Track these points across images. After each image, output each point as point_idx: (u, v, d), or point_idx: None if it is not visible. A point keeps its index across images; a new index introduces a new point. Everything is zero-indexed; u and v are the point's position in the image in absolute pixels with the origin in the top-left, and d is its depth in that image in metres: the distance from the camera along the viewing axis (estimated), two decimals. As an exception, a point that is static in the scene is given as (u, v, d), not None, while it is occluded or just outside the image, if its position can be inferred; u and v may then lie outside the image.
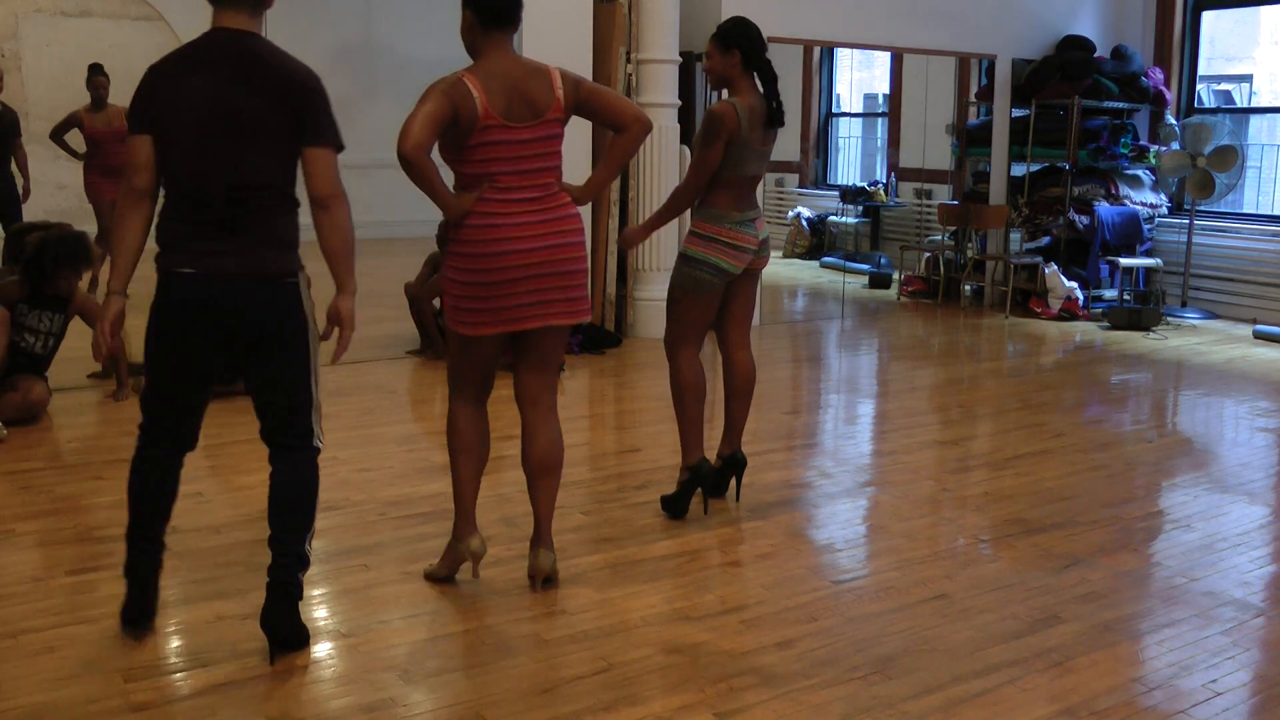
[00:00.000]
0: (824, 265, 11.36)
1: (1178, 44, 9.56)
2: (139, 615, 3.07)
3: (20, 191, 8.09)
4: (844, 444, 5.55)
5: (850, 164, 12.25)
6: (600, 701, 2.78)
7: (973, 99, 10.03)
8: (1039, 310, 8.94)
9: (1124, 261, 8.95)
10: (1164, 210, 9.44)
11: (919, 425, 5.70)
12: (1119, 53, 9.36)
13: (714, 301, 4.03)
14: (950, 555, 3.90)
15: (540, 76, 3.25)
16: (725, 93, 4.14)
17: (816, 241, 11.86)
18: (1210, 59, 9.89)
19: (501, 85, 3.18)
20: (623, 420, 5.87)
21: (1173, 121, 9.27)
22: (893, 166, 11.10)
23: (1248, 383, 6.80)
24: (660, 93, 7.37)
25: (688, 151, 7.46)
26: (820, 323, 8.94)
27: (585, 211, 6.95)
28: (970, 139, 9.82)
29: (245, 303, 2.87)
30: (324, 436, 3.08)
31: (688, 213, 4.14)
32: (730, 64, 3.94)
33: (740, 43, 3.93)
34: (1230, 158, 8.71)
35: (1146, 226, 9.24)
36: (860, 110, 12.39)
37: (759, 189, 4.16)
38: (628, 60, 7.44)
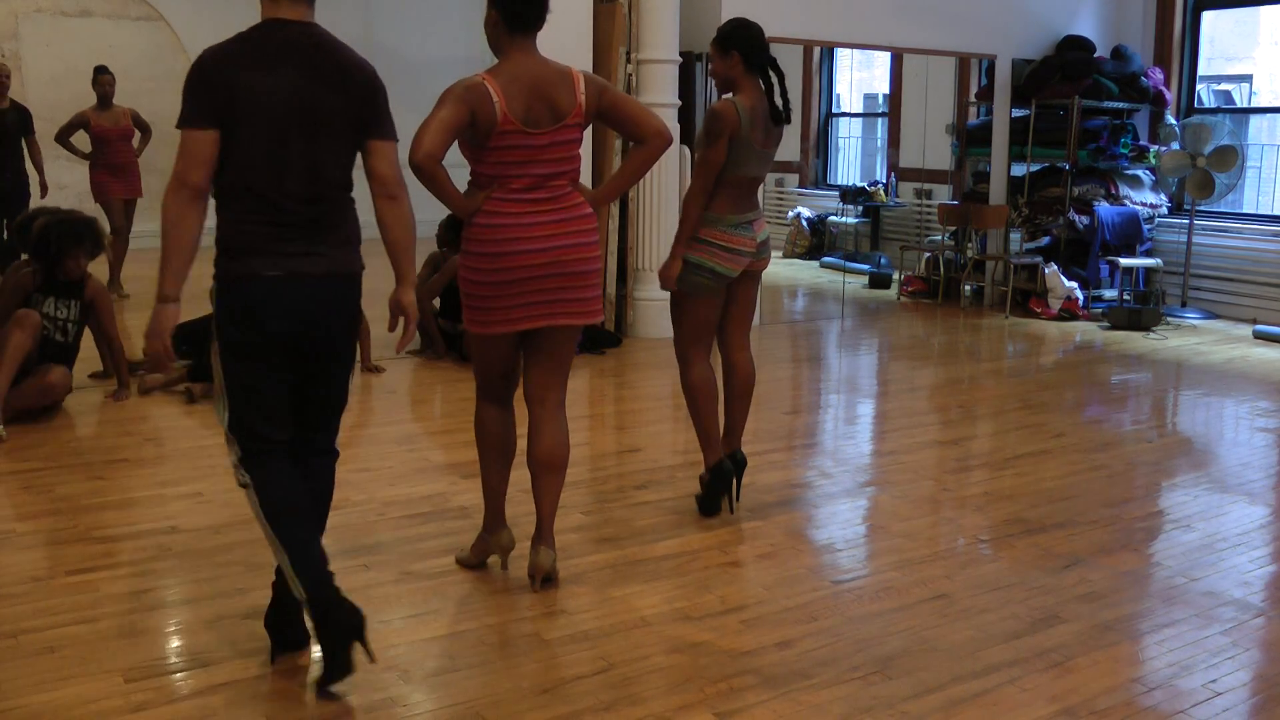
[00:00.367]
0: (824, 265, 11.36)
1: (1178, 44, 9.56)
2: (358, 632, 2.75)
3: (32, 188, 8.14)
4: (844, 444, 5.55)
5: (850, 164, 12.25)
6: (600, 701, 2.78)
7: (973, 99, 10.03)
8: (1039, 310, 8.95)
9: (1124, 261, 8.95)
10: (1164, 210, 9.44)
11: (919, 425, 5.70)
12: (1119, 53, 9.36)
13: (715, 303, 4.02)
14: (950, 555, 3.90)
15: (564, 81, 3.24)
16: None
17: (816, 241, 11.86)
18: (1210, 59, 9.89)
19: (522, 89, 3.18)
20: (623, 420, 5.87)
21: (1173, 121, 9.27)
22: (893, 166, 11.10)
23: (1248, 383, 6.80)
24: (660, 93, 7.36)
25: (688, 151, 7.46)
26: (820, 323, 8.94)
27: (585, 211, 6.96)
28: (970, 139, 9.82)
29: (328, 303, 2.79)
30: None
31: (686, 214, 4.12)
32: (731, 65, 3.93)
33: (738, 44, 3.91)
34: (1230, 158, 8.71)
35: (1146, 226, 9.24)
36: (860, 110, 12.39)
37: (760, 191, 4.15)
38: (628, 60, 7.44)
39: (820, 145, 12.06)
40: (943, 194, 10.43)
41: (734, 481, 4.17)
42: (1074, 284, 8.93)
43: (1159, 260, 9.17)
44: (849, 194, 11.28)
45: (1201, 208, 9.22)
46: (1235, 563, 3.84)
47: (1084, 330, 8.49)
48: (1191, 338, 8.22)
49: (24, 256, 5.58)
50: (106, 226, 7.13)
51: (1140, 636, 3.28)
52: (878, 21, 8.59)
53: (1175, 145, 9.10)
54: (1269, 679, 3.06)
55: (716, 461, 4.12)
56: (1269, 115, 9.85)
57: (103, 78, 8.48)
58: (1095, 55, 9.19)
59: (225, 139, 2.65)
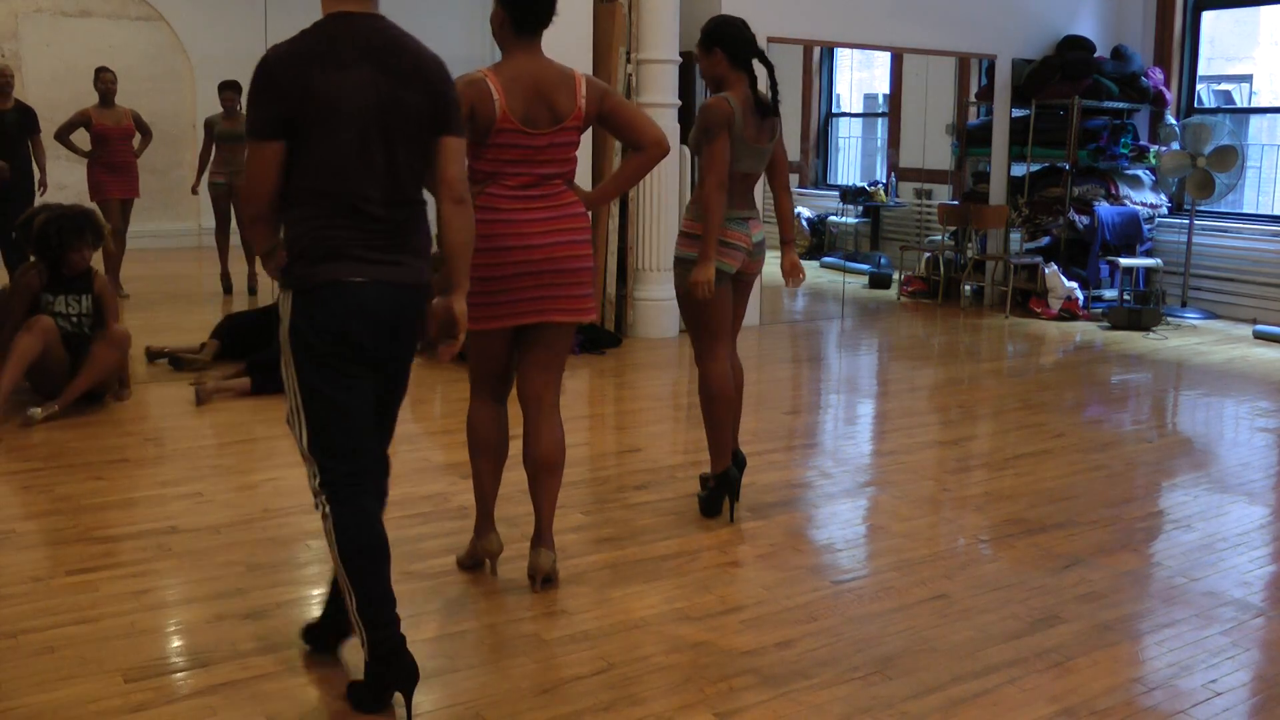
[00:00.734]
0: (824, 265, 11.36)
1: (1178, 44, 9.56)
2: (405, 687, 2.66)
3: (35, 186, 8.16)
4: (844, 444, 5.55)
5: (850, 164, 12.25)
6: (600, 701, 2.78)
7: (973, 99, 10.03)
8: (1039, 310, 8.95)
9: (1124, 261, 8.95)
10: (1164, 210, 9.44)
11: (919, 425, 5.70)
12: (1119, 53, 9.37)
13: (721, 299, 3.95)
14: (950, 555, 3.90)
15: (565, 83, 3.25)
16: None
17: (816, 241, 11.86)
18: (1210, 59, 9.89)
19: (523, 89, 3.19)
20: (623, 420, 5.87)
21: (1173, 121, 9.27)
22: (893, 166, 11.10)
23: (1248, 383, 6.80)
24: (660, 93, 7.37)
25: (688, 151, 7.46)
26: (820, 323, 8.94)
27: (585, 211, 6.96)
28: (970, 139, 9.82)
29: (406, 314, 2.66)
30: None
31: (682, 215, 4.10)
32: (715, 64, 3.91)
33: (720, 41, 3.89)
34: (1230, 158, 8.71)
35: (1146, 226, 9.24)
36: (860, 110, 12.39)
37: (759, 191, 4.12)
38: (628, 60, 7.44)
39: (820, 145, 12.06)
40: (943, 194, 10.43)
41: (738, 479, 4.17)
42: (1074, 284, 8.93)
43: (1159, 260, 9.17)
44: (849, 194, 11.28)
45: (1201, 208, 9.22)
46: (1235, 563, 3.84)
47: (1084, 330, 8.49)
48: (1191, 338, 8.22)
49: (32, 258, 5.60)
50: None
51: (1140, 636, 3.28)
52: (878, 21, 8.60)
53: (1175, 145, 9.10)
54: (1269, 679, 3.06)
55: (724, 470, 4.11)
56: (1269, 115, 9.85)
57: (105, 75, 8.50)
58: (1095, 55, 9.19)
59: (298, 144, 2.49)
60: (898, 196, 11.05)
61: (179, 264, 8.26)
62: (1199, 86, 9.68)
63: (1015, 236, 9.50)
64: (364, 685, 2.70)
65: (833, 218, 11.70)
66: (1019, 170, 9.53)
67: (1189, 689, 2.92)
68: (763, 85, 3.98)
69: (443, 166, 2.67)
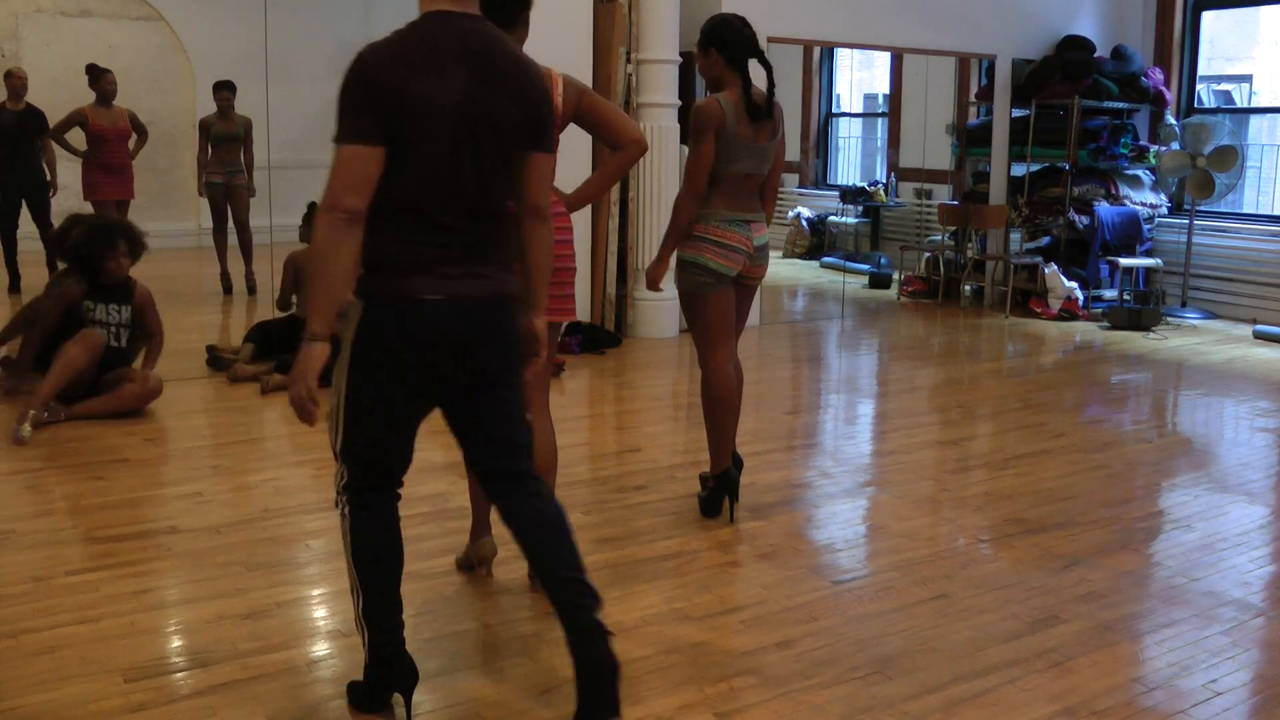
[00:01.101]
0: (824, 265, 11.36)
1: (1178, 44, 9.56)
2: (405, 687, 2.67)
3: (48, 186, 8.39)
4: (844, 444, 5.55)
5: (850, 164, 12.25)
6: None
7: (973, 99, 10.03)
8: (1039, 310, 8.95)
9: (1124, 261, 8.95)
10: (1164, 210, 9.44)
11: (919, 425, 5.70)
12: (1119, 53, 9.37)
13: (722, 301, 3.94)
14: (950, 555, 3.90)
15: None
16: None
17: (816, 241, 11.86)
18: (1210, 59, 9.89)
19: None
20: (623, 420, 5.87)
21: (1173, 121, 9.28)
22: (893, 166, 11.10)
23: (1248, 383, 6.80)
24: (660, 93, 7.37)
25: (687, 150, 7.46)
26: (820, 323, 8.94)
27: (585, 211, 6.96)
28: (970, 139, 9.82)
29: (487, 328, 2.52)
30: None
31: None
32: (711, 63, 3.89)
33: (716, 41, 3.87)
34: (1230, 158, 8.71)
35: (1146, 226, 9.24)
36: (860, 110, 12.39)
37: (759, 195, 4.07)
38: (628, 60, 7.44)
39: (820, 145, 12.06)
40: (943, 194, 10.43)
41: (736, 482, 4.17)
42: (1074, 284, 8.93)
43: (1159, 260, 9.17)
44: (849, 194, 11.28)
45: (1201, 208, 9.22)
46: (1235, 563, 3.84)
47: (1084, 330, 8.49)
48: (1191, 338, 8.22)
49: (63, 266, 5.69)
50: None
51: (1140, 636, 3.28)
52: (878, 21, 8.60)
53: (1175, 145, 9.10)
54: (1269, 679, 3.06)
55: (723, 470, 4.11)
56: (1269, 115, 9.85)
57: (107, 77, 8.52)
58: (1095, 55, 9.19)
59: (388, 153, 2.35)
60: (898, 196, 11.05)
61: (178, 264, 8.28)
62: (1199, 86, 9.69)
63: (1015, 236, 9.50)
64: (364, 685, 2.69)
65: (833, 218, 11.70)
66: (1019, 170, 9.53)
67: (1189, 689, 2.92)
68: (763, 86, 3.95)
69: (528, 182, 2.58)
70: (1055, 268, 8.95)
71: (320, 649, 3.06)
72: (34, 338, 5.44)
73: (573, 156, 3.97)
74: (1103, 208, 8.99)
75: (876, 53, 10.90)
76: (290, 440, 5.14)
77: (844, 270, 10.64)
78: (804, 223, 11.93)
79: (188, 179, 10.95)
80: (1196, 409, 6.43)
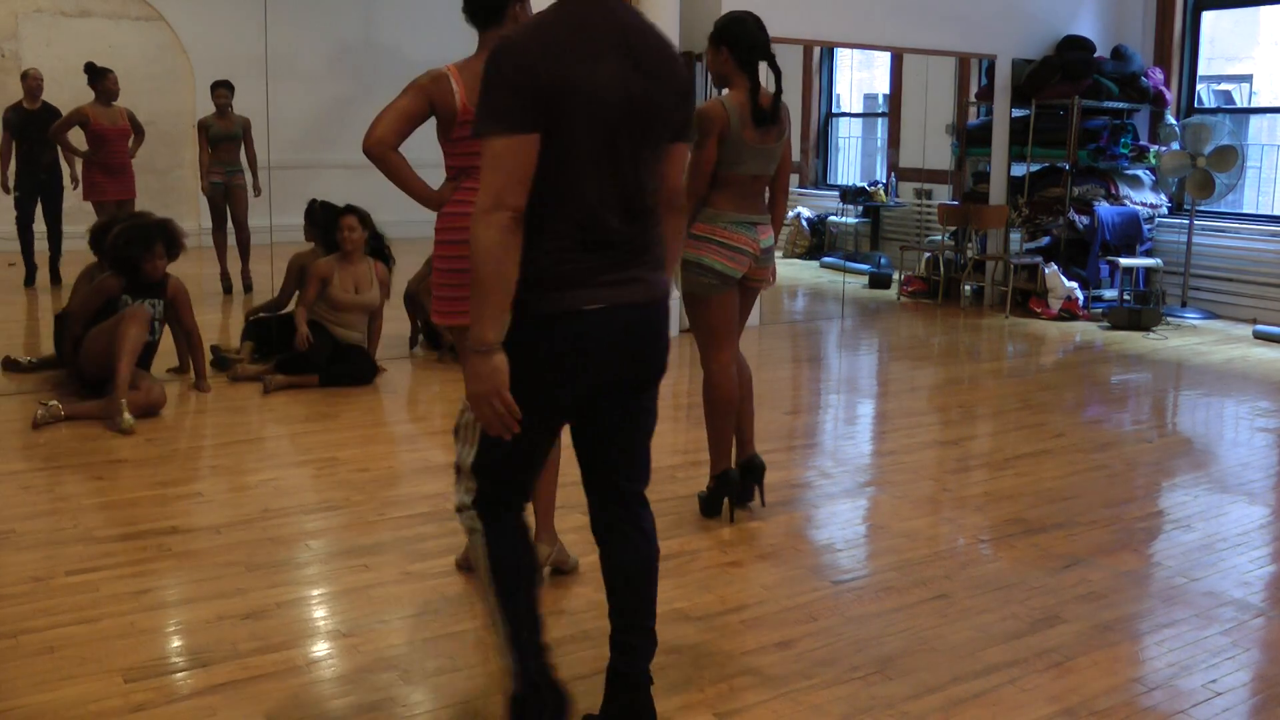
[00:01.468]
0: (824, 265, 11.36)
1: (1178, 44, 9.56)
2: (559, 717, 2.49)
3: (64, 183, 8.74)
4: (844, 444, 5.55)
5: (850, 164, 12.26)
6: (600, 701, 2.77)
7: (973, 99, 10.03)
8: (1039, 310, 8.95)
9: (1124, 261, 8.95)
10: (1164, 210, 9.44)
11: (919, 425, 5.70)
12: (1119, 53, 9.37)
13: (725, 303, 3.93)
14: (950, 555, 3.90)
15: None
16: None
17: (816, 241, 11.87)
18: (1210, 59, 9.89)
19: None
20: (623, 420, 5.86)
21: (1173, 121, 9.27)
22: (893, 166, 11.10)
23: (1248, 383, 6.80)
24: (660, 93, 7.37)
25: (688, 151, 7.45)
26: (820, 323, 8.94)
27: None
28: (970, 139, 9.82)
29: (648, 334, 2.35)
30: None
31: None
32: (721, 61, 3.87)
33: (727, 39, 3.85)
34: (1230, 158, 8.71)
35: (1146, 226, 9.24)
36: (860, 110, 12.39)
37: (765, 196, 4.04)
38: (628, 60, 7.45)
39: (820, 145, 12.06)
40: (943, 194, 10.43)
41: (754, 487, 4.18)
42: (1074, 284, 8.93)
43: (1159, 260, 9.17)
44: (849, 194, 11.28)
45: (1201, 208, 9.22)
46: (1235, 563, 3.84)
47: (1084, 330, 8.49)
48: (1191, 338, 8.22)
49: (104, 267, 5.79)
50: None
51: (1140, 636, 3.28)
52: (878, 21, 8.59)
53: (1175, 145, 9.10)
54: (1269, 679, 3.06)
55: (723, 470, 4.10)
56: (1269, 115, 9.85)
57: (109, 75, 8.56)
58: (1095, 55, 9.19)
59: (541, 151, 2.16)
60: (898, 196, 11.05)
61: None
62: (1199, 86, 9.68)
63: (1015, 236, 9.50)
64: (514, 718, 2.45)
65: (833, 218, 11.70)
66: (1019, 170, 9.53)
67: (1189, 689, 2.92)
68: (770, 88, 3.91)
69: (670, 174, 2.40)
70: (1055, 268, 8.95)
71: (320, 649, 3.07)
72: (74, 332, 5.55)
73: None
74: (1103, 208, 8.99)
75: (876, 53, 10.91)
76: (290, 440, 5.14)
77: (844, 270, 10.64)
78: (804, 223, 11.93)
79: (188, 179, 10.95)
80: (1196, 409, 6.43)
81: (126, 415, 5.05)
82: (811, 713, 2.75)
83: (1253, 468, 5.05)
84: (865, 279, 10.53)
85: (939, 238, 10.08)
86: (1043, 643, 3.16)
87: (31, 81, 8.93)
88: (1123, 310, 8.61)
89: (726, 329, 3.99)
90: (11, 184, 8.73)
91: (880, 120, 11.85)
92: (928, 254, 10.06)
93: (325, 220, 6.21)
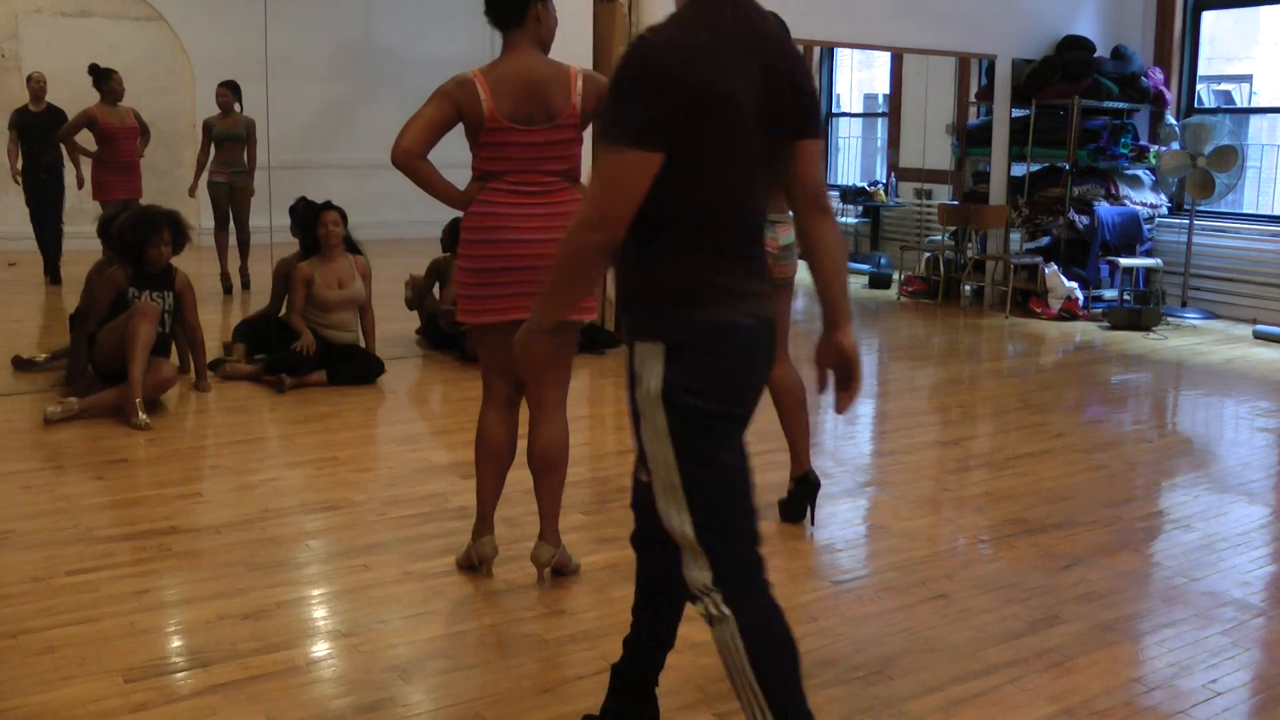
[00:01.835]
0: (824, 265, 11.34)
1: (1178, 44, 9.56)
2: None
3: (64, 183, 9.10)
4: (844, 444, 5.55)
5: (850, 164, 12.26)
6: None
7: (973, 99, 10.03)
8: (1039, 310, 8.94)
9: (1124, 261, 8.95)
10: (1164, 210, 9.45)
11: (919, 425, 5.70)
12: (1119, 53, 9.37)
13: None
14: (950, 555, 3.90)
15: (558, 81, 3.24)
16: None
17: (816, 241, 11.84)
18: (1210, 59, 9.89)
19: (512, 87, 3.18)
20: (623, 420, 5.87)
21: (1173, 121, 9.28)
22: (893, 166, 11.10)
23: (1248, 383, 6.80)
24: (660, 93, 7.36)
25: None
26: (820, 323, 8.92)
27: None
28: (970, 139, 9.82)
29: (771, 353, 2.19)
30: None
31: None
32: None
33: None
34: (1230, 158, 8.71)
35: (1146, 226, 9.24)
36: (860, 110, 12.40)
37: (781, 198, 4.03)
38: (628, 60, 7.44)
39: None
40: (943, 194, 10.43)
41: (807, 504, 4.08)
42: (1074, 284, 8.93)
43: (1159, 260, 9.17)
44: (849, 194, 11.28)
45: (1201, 208, 9.22)
46: (1235, 563, 3.84)
47: (1084, 330, 8.49)
48: (1191, 338, 8.22)
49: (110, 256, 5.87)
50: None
51: (1140, 636, 3.28)
52: (878, 21, 8.59)
53: (1175, 145, 9.10)
54: (1269, 679, 3.06)
55: (804, 473, 4.04)
56: (1269, 115, 9.86)
57: (114, 76, 8.61)
58: (1095, 55, 9.19)
59: (675, 160, 1.98)
60: (898, 196, 11.05)
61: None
62: (1199, 86, 9.69)
63: (1015, 236, 9.50)
64: None
65: (833, 218, 11.68)
66: (1019, 170, 9.53)
67: (1189, 689, 2.92)
68: None
69: (802, 172, 2.18)
70: (1055, 268, 8.95)
71: (320, 649, 3.07)
72: (89, 329, 5.58)
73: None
74: (1103, 208, 8.99)
75: (876, 53, 10.90)
76: (290, 440, 5.14)
77: (844, 270, 10.62)
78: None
79: (188, 178, 10.93)
80: (1196, 409, 6.43)
81: (142, 415, 5.08)
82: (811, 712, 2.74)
83: (1253, 468, 5.05)
84: (865, 279, 10.53)
85: (939, 238, 10.08)
86: (1043, 643, 3.16)
87: (36, 84, 9.18)
88: (1123, 310, 8.61)
89: None
90: (20, 184, 9.07)
91: (880, 120, 11.85)
92: (928, 254, 10.06)
93: (305, 218, 6.23)
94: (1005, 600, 3.45)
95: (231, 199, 8.99)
